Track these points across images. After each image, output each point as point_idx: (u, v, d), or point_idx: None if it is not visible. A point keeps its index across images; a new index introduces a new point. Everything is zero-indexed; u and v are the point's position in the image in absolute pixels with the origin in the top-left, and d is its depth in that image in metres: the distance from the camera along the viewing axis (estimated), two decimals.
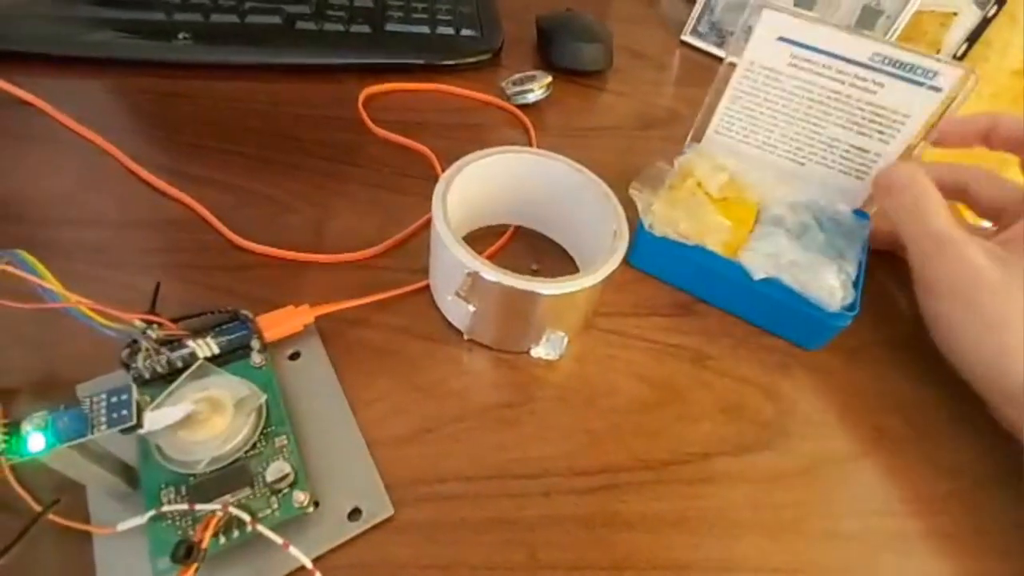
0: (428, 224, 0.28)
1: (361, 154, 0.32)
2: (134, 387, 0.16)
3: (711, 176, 0.27)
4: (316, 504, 0.18)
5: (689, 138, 0.31)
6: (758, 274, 0.24)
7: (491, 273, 0.20)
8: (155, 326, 0.19)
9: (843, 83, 0.27)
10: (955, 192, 0.28)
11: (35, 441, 0.14)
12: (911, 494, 0.23)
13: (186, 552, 0.14)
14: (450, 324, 0.24)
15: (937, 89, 0.25)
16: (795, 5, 0.41)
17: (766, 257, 0.25)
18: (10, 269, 0.18)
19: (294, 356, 0.22)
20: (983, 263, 0.22)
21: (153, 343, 0.19)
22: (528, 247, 0.29)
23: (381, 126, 0.33)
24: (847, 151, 0.28)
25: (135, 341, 0.20)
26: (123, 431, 0.15)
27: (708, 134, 0.31)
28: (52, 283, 0.17)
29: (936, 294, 0.24)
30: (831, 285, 0.23)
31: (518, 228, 0.29)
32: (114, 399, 0.15)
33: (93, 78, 0.33)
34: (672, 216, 0.25)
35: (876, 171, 0.28)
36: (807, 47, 0.27)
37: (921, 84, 0.25)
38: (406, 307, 0.25)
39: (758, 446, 0.23)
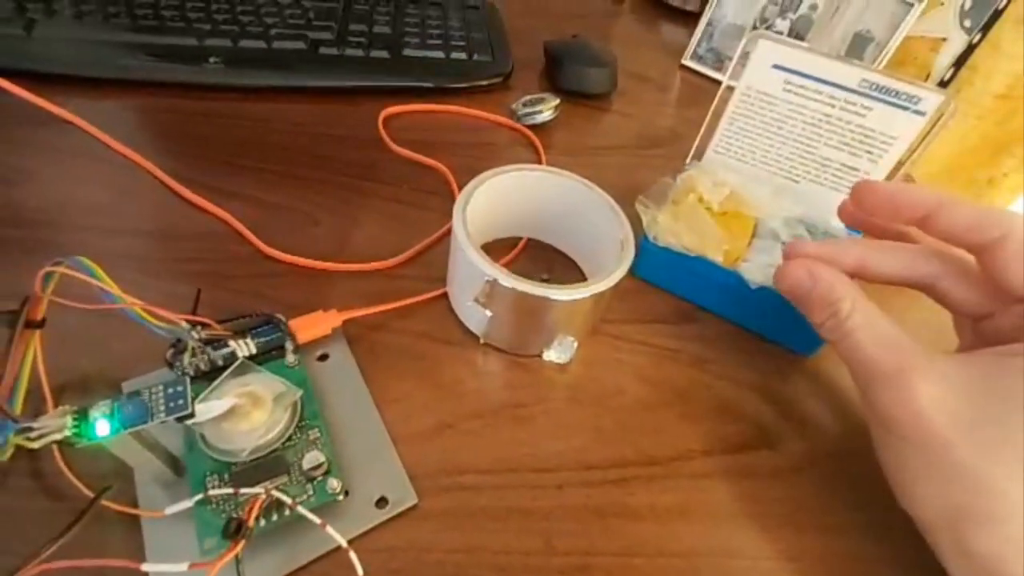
0: (445, 236, 0.30)
1: (381, 170, 0.34)
2: (188, 380, 0.17)
3: (712, 191, 0.28)
4: (346, 493, 0.19)
5: (690, 156, 0.33)
6: (756, 283, 0.26)
7: (508, 280, 0.22)
8: (199, 327, 0.21)
9: (834, 107, 0.29)
10: (919, 286, 0.22)
11: (102, 426, 0.16)
12: None
13: (236, 529, 0.16)
14: (467, 329, 0.26)
15: (921, 113, 0.27)
16: (789, 32, 0.43)
17: (763, 267, 0.26)
18: (70, 272, 0.19)
19: (323, 357, 0.24)
20: (932, 405, 0.17)
21: (198, 343, 0.20)
22: (539, 258, 0.30)
23: (399, 144, 0.35)
24: (839, 169, 0.30)
25: (179, 341, 0.21)
26: (178, 419, 0.17)
27: (708, 153, 0.33)
28: (110, 286, 0.19)
29: (879, 431, 0.20)
30: None
31: (529, 240, 0.31)
32: (170, 390, 0.17)
33: (130, 99, 0.35)
34: (675, 229, 0.27)
35: (790, 252, 0.23)
36: (800, 74, 0.29)
37: (906, 108, 0.27)
38: (425, 313, 0.27)
39: (757, 445, 0.24)
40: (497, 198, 0.27)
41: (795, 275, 0.21)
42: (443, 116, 0.39)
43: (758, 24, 0.44)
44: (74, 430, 0.15)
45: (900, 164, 0.29)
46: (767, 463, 0.24)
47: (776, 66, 0.29)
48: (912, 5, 0.39)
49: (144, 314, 0.19)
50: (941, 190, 0.21)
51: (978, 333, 0.21)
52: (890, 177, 0.30)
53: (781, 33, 0.44)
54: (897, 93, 0.27)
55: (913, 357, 0.18)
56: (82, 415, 0.16)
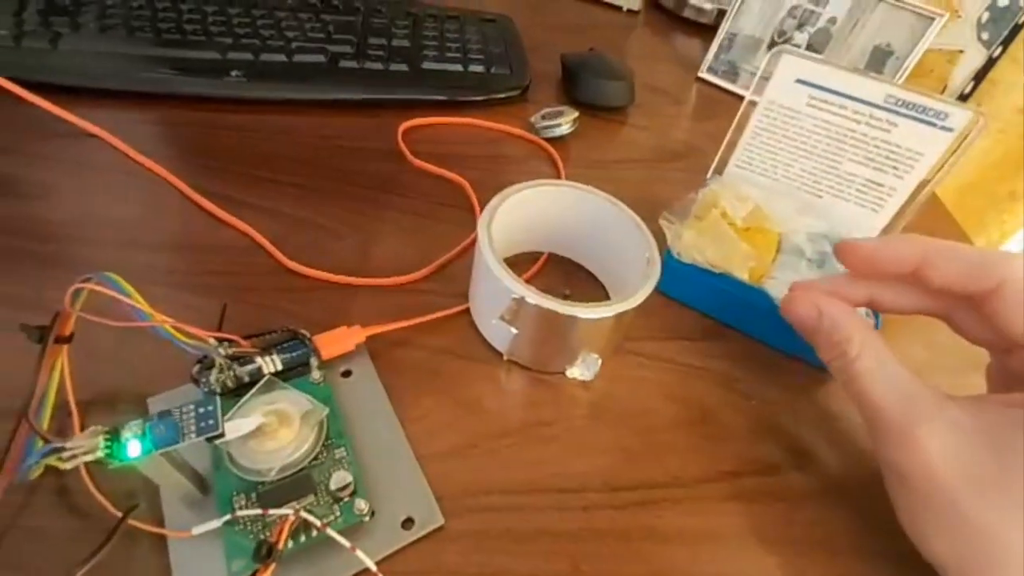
0: (466, 250, 0.30)
1: (401, 184, 0.34)
2: (218, 400, 0.17)
3: (736, 206, 0.28)
4: (372, 513, 0.19)
5: (711, 170, 0.33)
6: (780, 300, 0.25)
7: (535, 298, 0.21)
8: (225, 343, 0.21)
9: (859, 122, 0.29)
10: (936, 317, 0.21)
11: (133, 447, 0.16)
12: None
13: (267, 552, 0.16)
14: (489, 345, 0.26)
15: (948, 129, 0.27)
16: (808, 46, 0.43)
17: (789, 284, 0.26)
18: (99, 288, 0.19)
19: (346, 373, 0.24)
20: (939, 459, 0.17)
21: (225, 360, 0.20)
22: (560, 273, 0.30)
23: (419, 157, 0.35)
24: (863, 185, 0.30)
25: (205, 357, 0.21)
26: (209, 439, 0.16)
27: (729, 167, 0.32)
28: (140, 303, 0.19)
29: (889, 475, 0.19)
30: None
31: (550, 255, 0.30)
32: (201, 410, 0.17)
33: (152, 111, 0.35)
34: (699, 245, 0.26)
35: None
36: (824, 89, 0.29)
37: (933, 124, 0.27)
38: (448, 329, 0.26)
39: (788, 466, 0.24)
40: (520, 213, 0.27)
41: (801, 309, 0.21)
42: (461, 129, 0.39)
43: (776, 37, 0.44)
44: (106, 451, 0.15)
45: (925, 181, 0.29)
46: (799, 485, 0.23)
47: (800, 81, 0.29)
48: (933, 19, 0.39)
49: (173, 331, 0.19)
50: (928, 241, 0.19)
51: (1001, 365, 0.21)
52: (916, 193, 0.29)
53: (799, 46, 0.44)
54: (924, 109, 0.27)
55: (922, 406, 0.17)
56: (114, 435, 0.16)
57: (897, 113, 0.28)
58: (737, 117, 0.31)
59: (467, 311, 0.27)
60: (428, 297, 0.28)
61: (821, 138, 0.30)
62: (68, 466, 0.15)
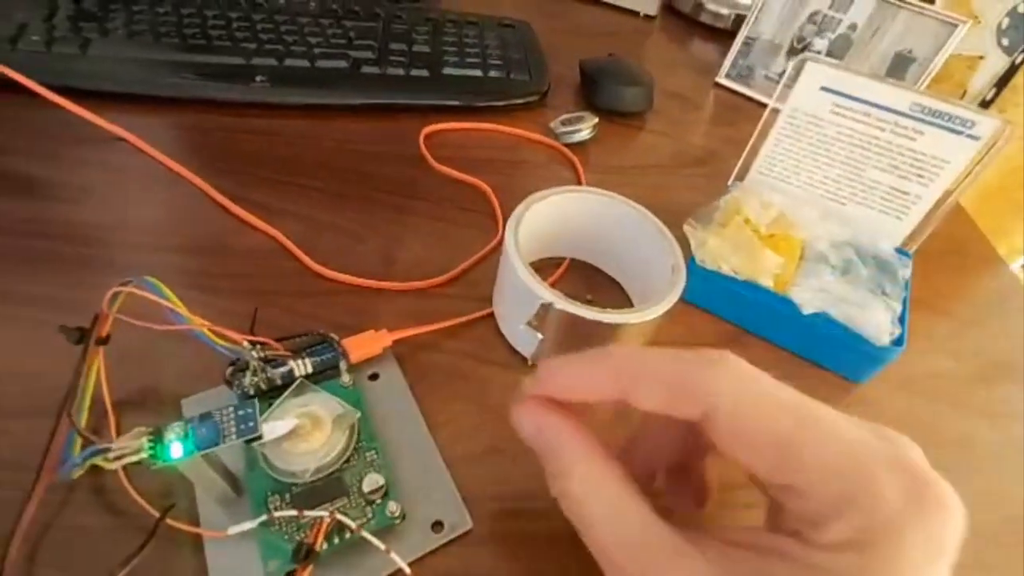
0: (489, 254, 0.31)
1: (423, 188, 0.34)
2: (256, 403, 0.17)
3: (759, 213, 0.28)
4: (403, 516, 0.19)
5: (733, 177, 0.33)
6: (808, 309, 0.25)
7: (564, 304, 0.22)
8: (258, 346, 0.21)
9: (883, 130, 0.29)
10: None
11: (176, 449, 0.16)
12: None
13: (306, 553, 0.16)
14: (513, 350, 0.26)
15: (975, 138, 0.27)
16: (828, 52, 0.43)
17: (815, 292, 0.26)
18: (139, 292, 0.20)
19: (373, 377, 0.24)
20: None
21: (259, 363, 0.21)
22: (581, 278, 0.30)
23: (440, 162, 0.35)
24: (887, 192, 0.30)
25: (237, 359, 0.22)
26: (247, 441, 0.17)
27: (751, 173, 0.32)
28: (178, 306, 0.19)
29: None
30: (880, 321, 0.25)
31: (572, 260, 0.31)
32: (240, 412, 0.17)
33: (179, 116, 0.36)
34: (723, 252, 0.27)
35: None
36: (849, 96, 0.29)
37: (959, 133, 0.27)
38: (472, 333, 0.27)
39: None
40: (543, 219, 0.27)
41: (525, 431, 0.17)
42: (481, 133, 0.39)
43: (795, 43, 0.44)
44: (150, 451, 0.16)
45: (949, 191, 0.29)
46: None
47: (824, 88, 0.29)
48: (956, 26, 0.39)
49: (210, 335, 0.19)
50: (623, 365, 0.15)
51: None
52: (941, 201, 0.29)
53: (819, 52, 0.44)
54: (950, 117, 0.27)
55: (660, 559, 0.14)
56: (157, 436, 0.16)
57: (923, 121, 0.28)
58: (760, 124, 0.31)
59: (491, 315, 0.27)
60: (452, 301, 0.28)
61: (845, 145, 0.30)
62: (114, 466, 0.15)
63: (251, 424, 0.17)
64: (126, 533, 0.19)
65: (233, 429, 0.17)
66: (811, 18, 0.43)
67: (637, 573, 0.14)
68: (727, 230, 0.28)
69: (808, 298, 0.25)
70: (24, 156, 0.31)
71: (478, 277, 0.29)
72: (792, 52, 0.44)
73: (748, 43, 0.46)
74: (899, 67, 0.41)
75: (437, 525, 0.20)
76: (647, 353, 0.15)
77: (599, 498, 0.15)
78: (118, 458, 0.15)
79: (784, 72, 0.45)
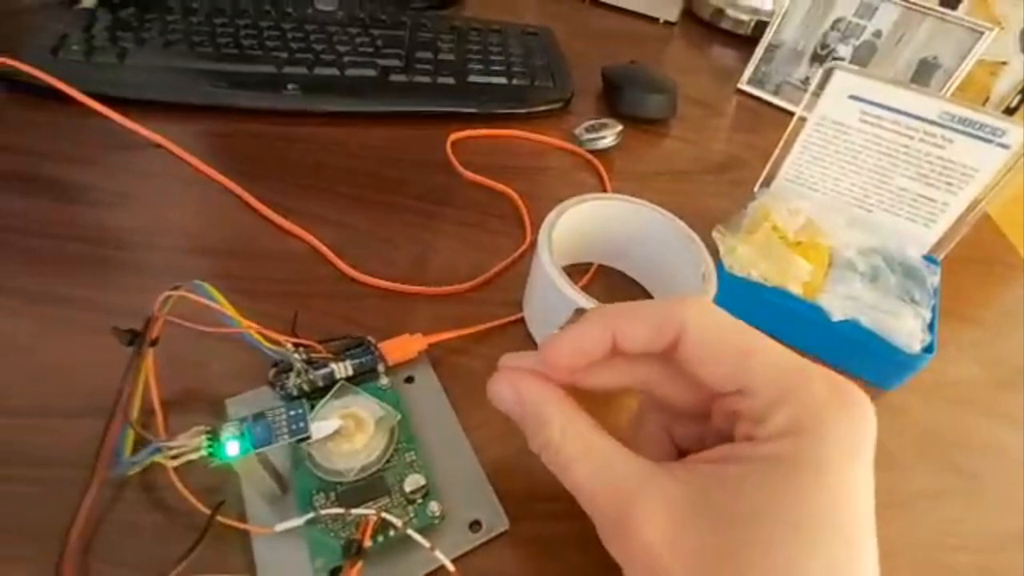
0: (518, 260, 0.31)
1: (452, 195, 0.35)
2: (306, 403, 0.18)
3: (788, 220, 0.28)
4: (443, 515, 0.20)
5: (759, 183, 0.33)
6: (837, 315, 0.26)
7: None
8: (301, 349, 0.22)
9: (912, 138, 0.29)
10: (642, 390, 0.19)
11: (232, 447, 0.17)
12: (989, 531, 0.23)
13: (357, 550, 0.16)
14: None
15: (1005, 146, 0.27)
16: (852, 59, 0.43)
17: (844, 300, 0.26)
18: (190, 295, 0.20)
19: (409, 379, 0.24)
20: (659, 545, 0.15)
21: (304, 364, 0.21)
22: (608, 284, 0.31)
23: (467, 168, 0.36)
24: (915, 200, 0.30)
25: (279, 361, 0.22)
26: (298, 441, 0.17)
27: (777, 180, 0.33)
28: (229, 310, 0.20)
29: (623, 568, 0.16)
30: (911, 328, 0.25)
31: (599, 266, 0.31)
32: (292, 413, 0.18)
33: (214, 123, 0.37)
34: (752, 258, 0.27)
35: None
36: (877, 104, 0.29)
37: (989, 141, 0.27)
38: (503, 337, 0.27)
39: None
40: (575, 226, 0.27)
41: (501, 395, 0.18)
42: (506, 140, 0.40)
43: (819, 50, 0.44)
44: (208, 449, 0.16)
45: (978, 200, 0.29)
46: None
47: (852, 96, 0.29)
48: (982, 33, 0.39)
49: (259, 337, 0.20)
50: (610, 312, 0.17)
51: (704, 432, 0.19)
52: (969, 209, 0.29)
53: (842, 59, 0.44)
54: (981, 126, 0.27)
55: (632, 485, 0.15)
56: (214, 435, 0.17)
57: (953, 129, 0.28)
58: (787, 132, 0.31)
59: (522, 321, 0.28)
60: (482, 306, 0.29)
61: (872, 153, 0.30)
62: (174, 464, 0.16)
63: (302, 424, 0.17)
64: (175, 528, 0.20)
65: (285, 429, 0.17)
66: (835, 25, 0.43)
67: (613, 500, 0.16)
68: (756, 237, 0.28)
69: (838, 305, 0.26)
70: (66, 162, 0.32)
71: (507, 282, 0.30)
72: (815, 59, 0.45)
73: (771, 50, 0.46)
74: (924, 74, 0.41)
75: (475, 525, 0.20)
76: (629, 303, 0.18)
77: (576, 440, 0.17)
78: (178, 456, 0.16)
79: (807, 78, 0.45)
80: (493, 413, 0.24)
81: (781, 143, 0.32)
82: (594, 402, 0.18)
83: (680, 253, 0.26)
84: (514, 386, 0.18)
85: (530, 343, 0.27)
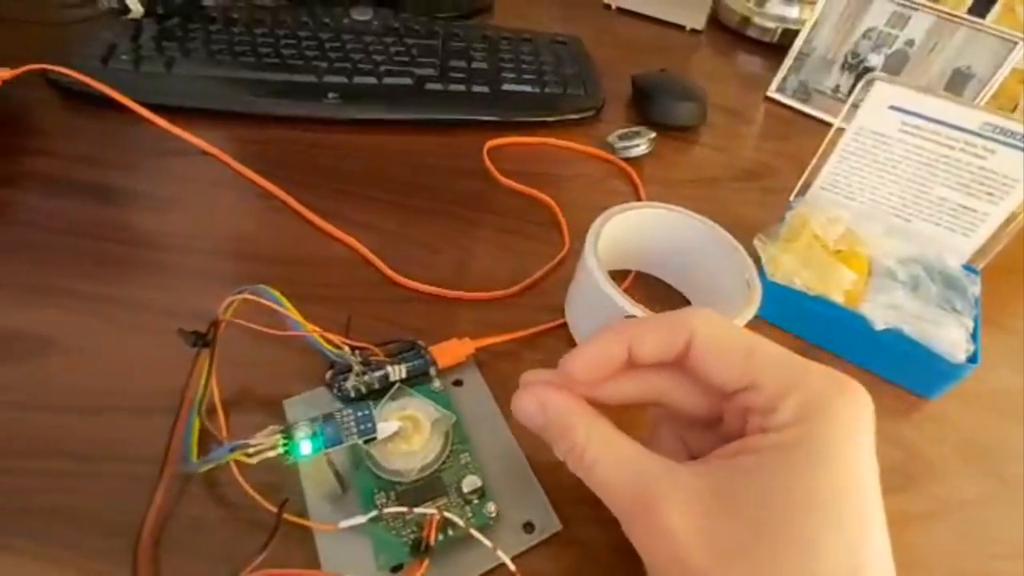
0: (558, 266, 0.32)
1: (489, 201, 0.35)
2: (372, 404, 0.18)
3: (827, 228, 0.29)
4: (498, 516, 0.20)
5: (795, 192, 0.33)
6: (880, 325, 0.26)
7: None
8: (357, 352, 0.23)
9: (953, 148, 0.29)
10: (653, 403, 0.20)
11: (305, 446, 0.17)
12: None
13: (425, 547, 0.17)
14: None
15: None
16: (883, 68, 0.43)
17: (887, 309, 0.26)
18: (256, 299, 0.21)
19: (457, 383, 0.25)
20: (683, 538, 0.15)
21: (362, 367, 0.22)
22: (647, 291, 0.31)
23: (502, 176, 0.36)
24: (955, 210, 0.30)
25: (336, 363, 0.23)
26: (365, 441, 0.18)
27: (813, 189, 0.33)
28: (294, 314, 0.21)
29: (650, 571, 0.17)
30: (955, 338, 0.25)
31: (637, 273, 0.31)
32: (359, 414, 0.18)
33: (257, 131, 0.38)
34: (795, 267, 0.27)
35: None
36: (918, 115, 0.29)
37: None
38: (546, 343, 0.28)
39: (889, 489, 0.24)
40: (616, 233, 0.28)
41: (526, 408, 0.19)
42: (540, 148, 0.40)
43: (849, 58, 0.45)
44: (284, 448, 0.17)
45: (1016, 214, 0.29)
46: (897, 508, 0.23)
47: (893, 107, 0.29)
48: (1016, 44, 0.39)
49: (321, 340, 0.21)
50: (625, 325, 0.19)
51: (717, 438, 0.19)
52: (1009, 221, 0.29)
53: (873, 68, 0.44)
54: (1023, 137, 0.27)
55: (653, 480, 0.16)
56: (288, 435, 0.17)
57: (994, 140, 0.28)
58: (824, 142, 0.31)
59: (564, 326, 0.28)
60: (523, 311, 0.29)
61: (912, 163, 0.30)
62: (254, 461, 0.17)
63: (369, 425, 0.18)
64: (239, 523, 0.20)
65: (354, 429, 0.18)
66: (866, 34, 0.43)
67: (636, 493, 0.16)
68: (796, 245, 0.28)
69: (881, 314, 0.26)
70: (119, 168, 0.33)
71: (547, 288, 0.30)
72: (846, 67, 0.45)
73: (800, 58, 0.47)
74: (957, 83, 0.41)
75: (528, 526, 0.21)
76: (640, 318, 0.20)
77: (600, 441, 0.18)
78: (256, 453, 0.17)
79: (837, 87, 0.45)
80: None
81: (819, 152, 0.32)
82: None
83: (722, 261, 0.26)
84: (537, 397, 0.19)
85: (571, 347, 0.27)
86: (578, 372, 0.19)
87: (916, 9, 0.42)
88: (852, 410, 0.16)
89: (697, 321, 0.18)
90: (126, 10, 0.41)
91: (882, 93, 0.29)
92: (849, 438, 0.15)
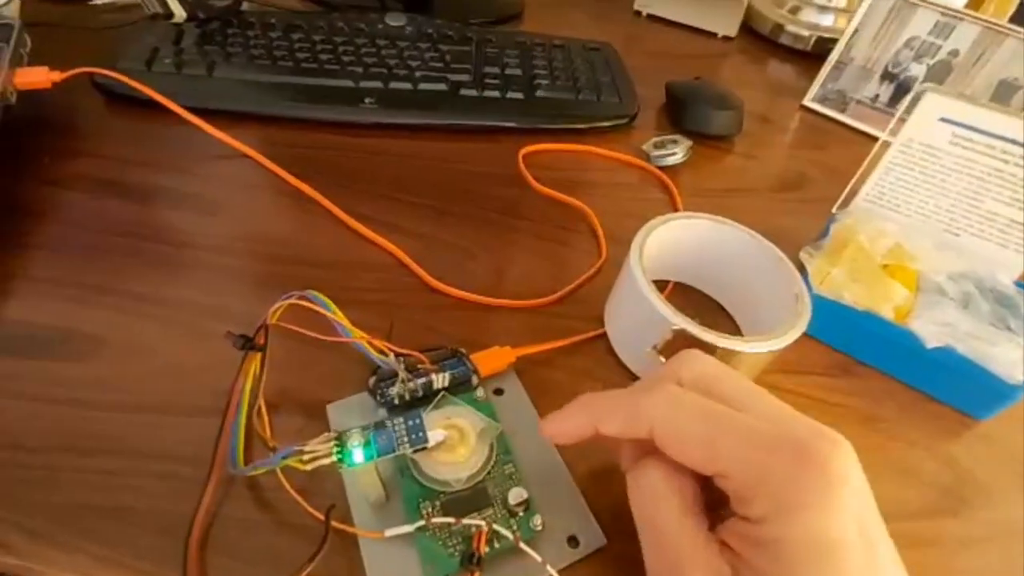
0: (595, 275, 0.31)
1: (525, 208, 0.35)
2: (423, 413, 0.18)
3: (875, 242, 0.28)
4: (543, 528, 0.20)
5: (837, 204, 0.33)
6: (932, 343, 0.25)
7: (698, 331, 0.22)
8: (401, 358, 0.23)
9: (1007, 162, 0.28)
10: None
11: (357, 454, 0.17)
12: None
13: (477, 560, 0.17)
14: (627, 370, 0.27)
15: None
16: (924, 78, 0.43)
17: (939, 326, 0.26)
18: (305, 304, 0.21)
19: (498, 392, 0.25)
20: None
21: (407, 374, 0.22)
22: (687, 303, 0.31)
23: (538, 182, 0.36)
24: (1007, 225, 0.29)
25: (378, 369, 0.23)
26: (416, 450, 0.18)
27: (857, 201, 0.32)
28: (342, 319, 0.21)
29: None
30: (1013, 358, 0.24)
31: (676, 284, 0.31)
32: (410, 423, 0.18)
33: (295, 135, 0.38)
34: (843, 280, 0.27)
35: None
36: (970, 127, 0.28)
37: None
38: (586, 352, 0.27)
39: (941, 512, 0.23)
40: (660, 243, 0.27)
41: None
42: (574, 155, 0.40)
43: (890, 68, 0.44)
44: (337, 455, 0.17)
45: None
46: (952, 531, 0.23)
47: (944, 119, 0.29)
48: None
49: (369, 346, 0.21)
50: (593, 403, 0.19)
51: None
52: None
53: (915, 78, 0.43)
54: None
55: (687, 551, 0.17)
56: (341, 442, 0.17)
57: None
58: (871, 154, 0.31)
59: (604, 336, 0.28)
60: (561, 320, 0.29)
61: (962, 176, 0.29)
62: (308, 468, 0.17)
63: (421, 435, 0.18)
64: (281, 526, 0.20)
65: (406, 439, 0.18)
66: (908, 43, 0.43)
67: (670, 558, 0.17)
68: (842, 257, 0.28)
69: (933, 331, 0.25)
70: (165, 170, 0.34)
71: (585, 297, 0.30)
72: (886, 77, 0.44)
73: (838, 67, 0.46)
74: (1003, 95, 0.40)
75: (572, 540, 0.21)
76: (607, 393, 0.20)
77: (660, 488, 0.18)
78: (312, 459, 0.17)
79: (876, 96, 0.44)
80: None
81: (864, 164, 0.31)
82: None
83: (768, 275, 0.26)
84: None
85: (612, 358, 0.27)
86: (554, 439, 0.20)
87: (961, 19, 0.41)
88: (829, 491, 0.15)
89: (656, 412, 0.17)
90: (170, 15, 0.41)
91: (933, 105, 0.29)
92: (831, 516, 0.15)
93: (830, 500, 0.15)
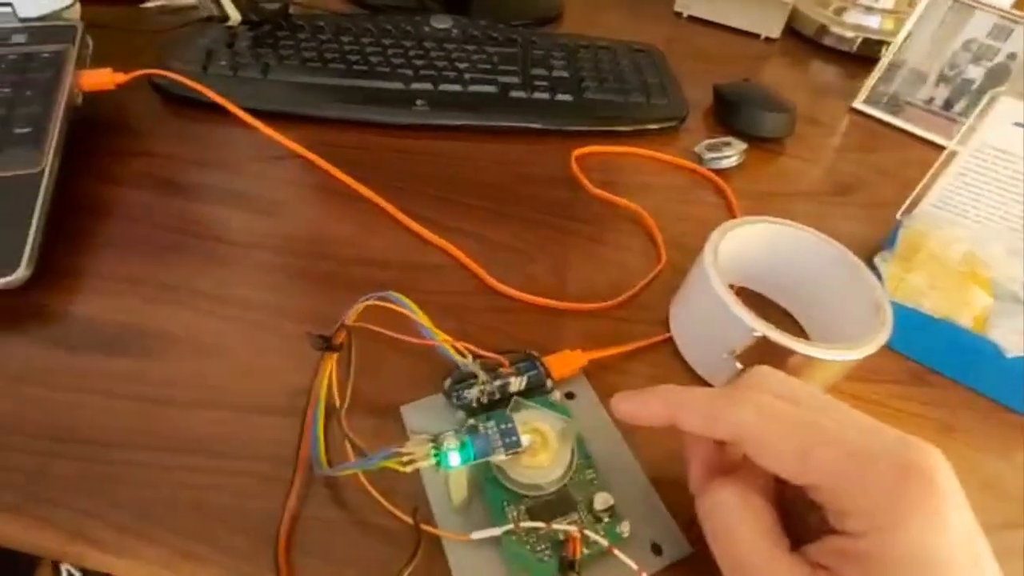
0: (656, 279, 0.31)
1: (580, 210, 0.35)
2: (514, 417, 0.18)
3: (948, 248, 0.28)
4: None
5: (902, 210, 0.32)
6: (1014, 352, 0.25)
7: (781, 338, 0.22)
8: (478, 361, 0.23)
9: None
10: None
11: (453, 458, 0.17)
12: None
13: (576, 568, 0.17)
14: (695, 374, 0.26)
15: None
16: (982, 82, 0.42)
17: (1015, 333, 0.25)
18: (389, 306, 0.21)
19: (570, 396, 0.25)
20: None
21: (488, 378, 0.22)
22: (752, 307, 0.30)
23: (591, 185, 0.36)
24: None
25: (455, 370, 0.23)
26: (510, 454, 0.18)
27: (923, 206, 0.32)
28: (425, 321, 0.21)
29: None
30: None
31: (740, 289, 0.31)
32: (503, 426, 0.18)
33: (348, 136, 0.38)
34: (921, 288, 0.26)
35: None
36: None
37: None
38: (651, 356, 0.27)
39: (1016, 524, 0.23)
40: (731, 248, 0.27)
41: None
42: (625, 157, 0.40)
43: (946, 71, 0.43)
44: (435, 458, 0.17)
45: None
46: None
47: (1018, 123, 0.28)
48: None
49: (451, 349, 0.21)
50: (674, 396, 0.19)
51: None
52: None
53: (972, 81, 0.42)
54: None
55: (766, 565, 0.17)
56: (437, 445, 0.17)
57: None
58: (940, 159, 0.30)
59: (669, 340, 0.28)
60: (625, 323, 0.29)
61: None
62: (407, 469, 0.17)
63: (515, 438, 0.18)
64: (364, 527, 0.20)
65: (500, 443, 0.18)
66: (966, 46, 0.42)
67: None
68: (923, 265, 0.27)
69: (1015, 341, 0.25)
70: (222, 170, 0.34)
71: (647, 301, 0.30)
72: (942, 80, 0.43)
73: (891, 69, 0.45)
74: None
75: (655, 547, 0.20)
76: (690, 389, 0.20)
77: (735, 510, 0.18)
78: (411, 462, 0.17)
79: (931, 99, 0.44)
80: (660, 430, 0.24)
81: (932, 169, 0.31)
82: None
83: (843, 282, 0.26)
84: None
85: (679, 362, 0.27)
86: (625, 418, 0.20)
87: (1019, 22, 0.40)
88: (925, 501, 0.15)
89: (746, 418, 0.17)
90: (226, 18, 0.42)
91: (1007, 109, 0.28)
92: (937, 531, 0.15)
93: (935, 515, 0.15)
